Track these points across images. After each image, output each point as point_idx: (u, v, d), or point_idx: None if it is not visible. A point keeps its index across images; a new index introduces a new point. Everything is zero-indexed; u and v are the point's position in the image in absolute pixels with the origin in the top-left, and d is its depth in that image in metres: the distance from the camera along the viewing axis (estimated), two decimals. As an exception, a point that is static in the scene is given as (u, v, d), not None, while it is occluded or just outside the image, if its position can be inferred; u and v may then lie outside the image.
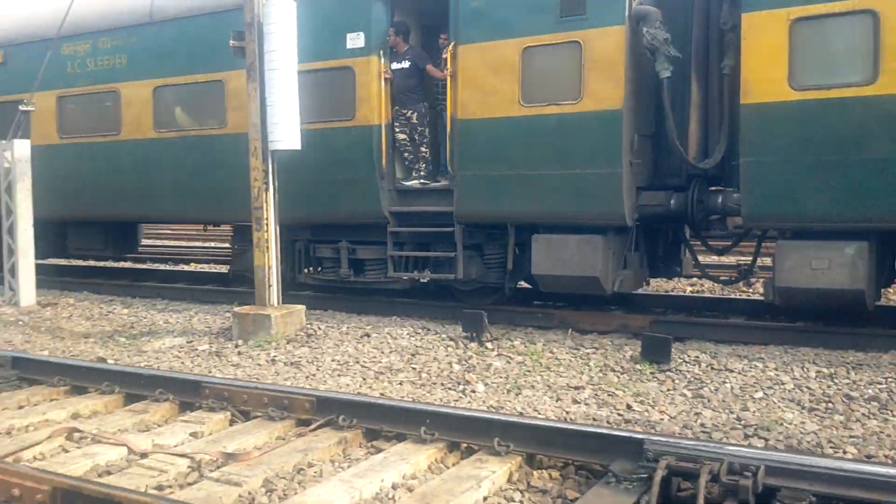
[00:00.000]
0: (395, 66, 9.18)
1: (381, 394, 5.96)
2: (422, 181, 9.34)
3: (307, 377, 6.57)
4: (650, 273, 9.22)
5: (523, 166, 8.27)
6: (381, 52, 9.07)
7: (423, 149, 9.34)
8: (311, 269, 10.24)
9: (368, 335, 8.04)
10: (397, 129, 9.34)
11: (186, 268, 15.73)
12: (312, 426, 4.86)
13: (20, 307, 10.48)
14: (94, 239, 12.47)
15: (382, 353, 7.36)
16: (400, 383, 6.35)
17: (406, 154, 9.45)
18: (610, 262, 8.17)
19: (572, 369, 6.68)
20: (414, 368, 6.80)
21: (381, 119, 9.09)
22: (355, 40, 9.10)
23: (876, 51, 6.67)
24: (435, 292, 10.11)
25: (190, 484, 4.04)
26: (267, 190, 8.25)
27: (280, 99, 7.87)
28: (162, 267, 15.64)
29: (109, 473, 4.18)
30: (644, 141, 8.23)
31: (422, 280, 9.70)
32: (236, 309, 8.39)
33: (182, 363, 7.18)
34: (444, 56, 8.87)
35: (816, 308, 7.83)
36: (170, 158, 10.51)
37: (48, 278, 11.99)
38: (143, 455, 4.43)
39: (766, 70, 7.10)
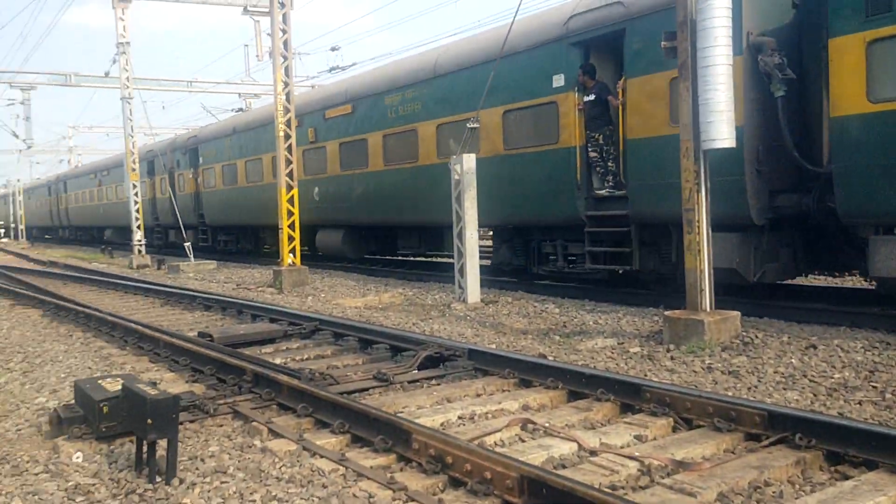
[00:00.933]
0: (585, 99, 11.31)
1: (839, 413, 5.34)
2: (609, 190, 11.30)
3: (749, 389, 6.18)
4: (817, 267, 10.38)
5: (672, 176, 9.02)
6: (576, 88, 11.37)
7: (609, 163, 11.34)
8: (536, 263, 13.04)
9: (815, 346, 7.33)
10: (590, 149, 11.42)
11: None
12: (764, 442, 4.54)
13: (468, 304, 11.68)
14: (410, 240, 16.69)
15: (833, 367, 6.63)
16: (859, 403, 5.63)
17: (598, 168, 11.48)
18: (750, 255, 9.29)
19: None
20: (874, 387, 5.99)
21: (577, 142, 11.40)
22: (558, 80, 11.60)
23: None
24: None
25: (642, 488, 4.02)
26: (699, 191, 7.98)
27: (715, 96, 7.55)
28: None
29: (564, 467, 4.35)
30: (779, 149, 9.07)
31: (619, 271, 11.55)
32: (667, 313, 8.27)
33: (616, 364, 7.28)
34: (618, 88, 10.85)
35: None
36: (447, 179, 12.67)
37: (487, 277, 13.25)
38: (593, 453, 4.55)
39: (848, 86, 8.01)
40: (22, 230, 52.87)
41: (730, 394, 5.91)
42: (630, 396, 5.53)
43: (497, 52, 11.73)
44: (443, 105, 13.80)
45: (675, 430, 5.05)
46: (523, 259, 13.33)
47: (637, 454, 4.44)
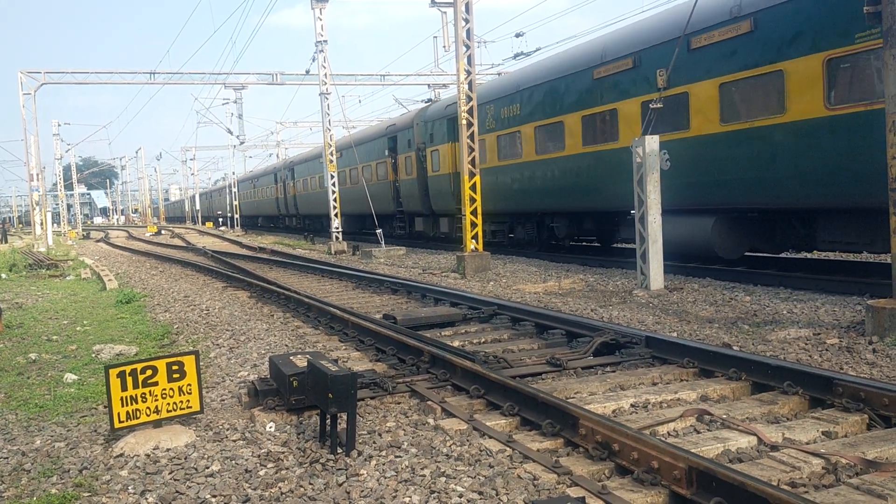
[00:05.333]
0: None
1: None
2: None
3: (964, 386, 5.55)
4: None
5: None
6: (393, 156, 26.86)
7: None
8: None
9: None
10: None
11: (808, 255, 15.02)
12: (976, 446, 4.08)
13: (650, 290, 11.35)
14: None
15: None
16: None
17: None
18: None
19: None
20: None
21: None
22: (386, 152, 27.19)
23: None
24: None
25: (825, 486, 3.76)
26: (908, 168, 7.27)
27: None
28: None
29: (740, 461, 4.16)
30: None
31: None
32: (870, 302, 7.60)
33: (809, 356, 6.81)
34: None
35: None
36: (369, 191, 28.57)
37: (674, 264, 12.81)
38: (774, 447, 4.30)
39: (430, 165, 23.82)
40: (237, 219, 57.63)
41: (939, 392, 5.34)
42: (820, 390, 5.17)
43: (366, 137, 29.93)
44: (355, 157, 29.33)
45: (870, 427, 4.68)
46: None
47: (823, 451, 4.15)
